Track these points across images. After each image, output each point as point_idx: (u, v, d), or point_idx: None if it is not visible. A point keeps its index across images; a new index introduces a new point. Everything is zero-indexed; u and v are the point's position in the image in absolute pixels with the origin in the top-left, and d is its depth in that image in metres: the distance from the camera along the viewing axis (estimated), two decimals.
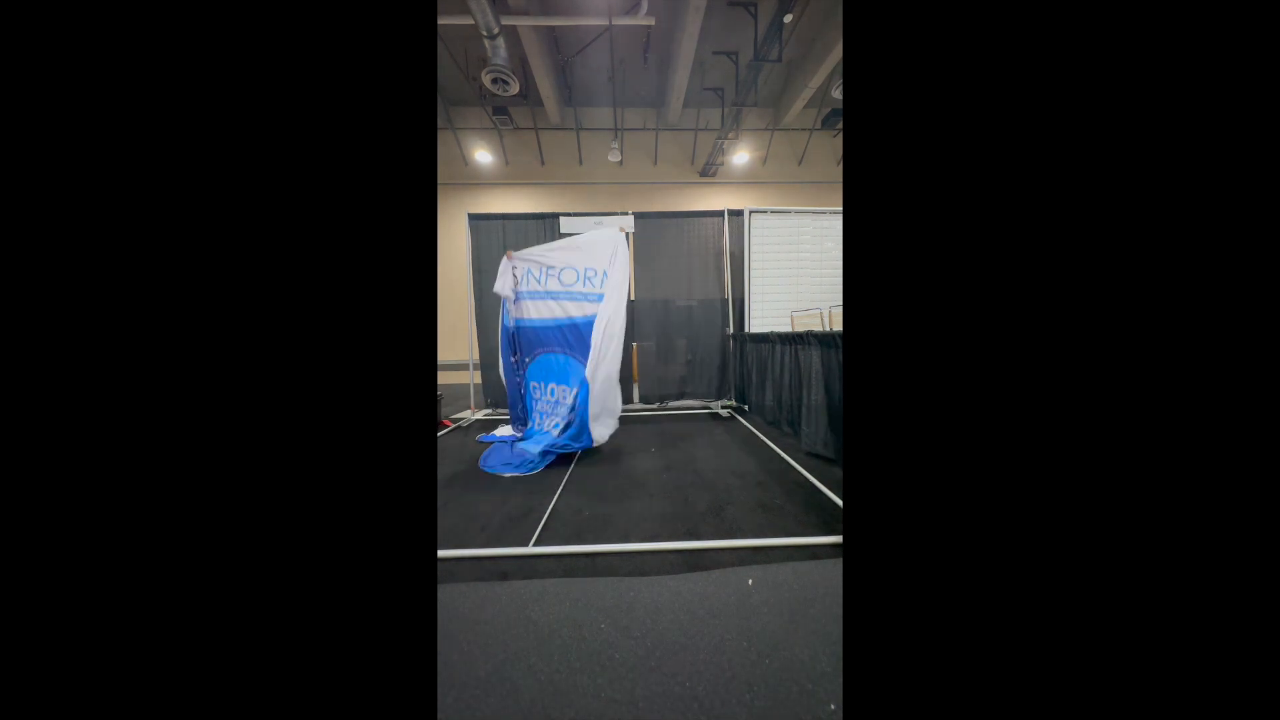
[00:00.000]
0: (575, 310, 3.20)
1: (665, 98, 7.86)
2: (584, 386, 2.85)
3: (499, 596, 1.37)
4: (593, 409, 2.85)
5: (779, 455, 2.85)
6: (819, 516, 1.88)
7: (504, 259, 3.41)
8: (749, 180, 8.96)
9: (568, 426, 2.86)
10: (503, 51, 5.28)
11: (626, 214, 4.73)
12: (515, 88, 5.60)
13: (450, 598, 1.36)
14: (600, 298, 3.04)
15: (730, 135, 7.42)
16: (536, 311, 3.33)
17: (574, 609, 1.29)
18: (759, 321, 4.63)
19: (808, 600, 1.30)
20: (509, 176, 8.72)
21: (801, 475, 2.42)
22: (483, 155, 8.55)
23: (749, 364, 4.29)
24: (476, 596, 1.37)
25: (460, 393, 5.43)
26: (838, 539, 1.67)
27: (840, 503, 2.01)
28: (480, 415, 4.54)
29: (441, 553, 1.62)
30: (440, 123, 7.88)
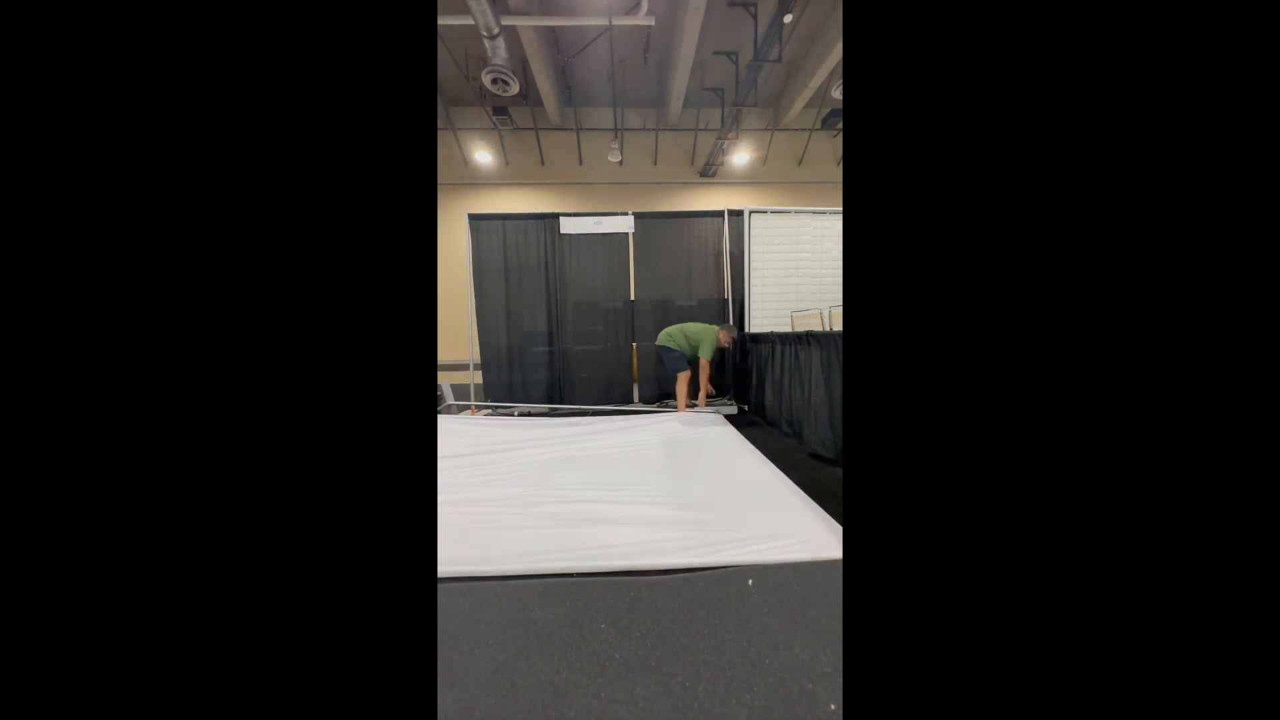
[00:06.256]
0: None
1: (665, 98, 7.85)
2: None
3: (499, 596, 1.37)
4: None
5: (778, 456, 2.85)
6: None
7: None
8: (749, 180, 8.95)
9: None
10: (503, 51, 5.28)
11: (626, 214, 4.73)
12: (515, 88, 5.60)
13: (450, 598, 1.36)
14: None
15: (730, 135, 7.41)
16: None
17: (574, 609, 1.29)
18: (759, 321, 4.63)
19: (808, 600, 1.30)
20: (509, 176, 8.72)
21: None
22: (483, 155, 8.55)
23: (749, 364, 4.29)
24: (476, 596, 1.37)
25: (460, 393, 5.43)
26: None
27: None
28: (481, 416, 4.54)
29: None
30: (440, 123, 7.88)
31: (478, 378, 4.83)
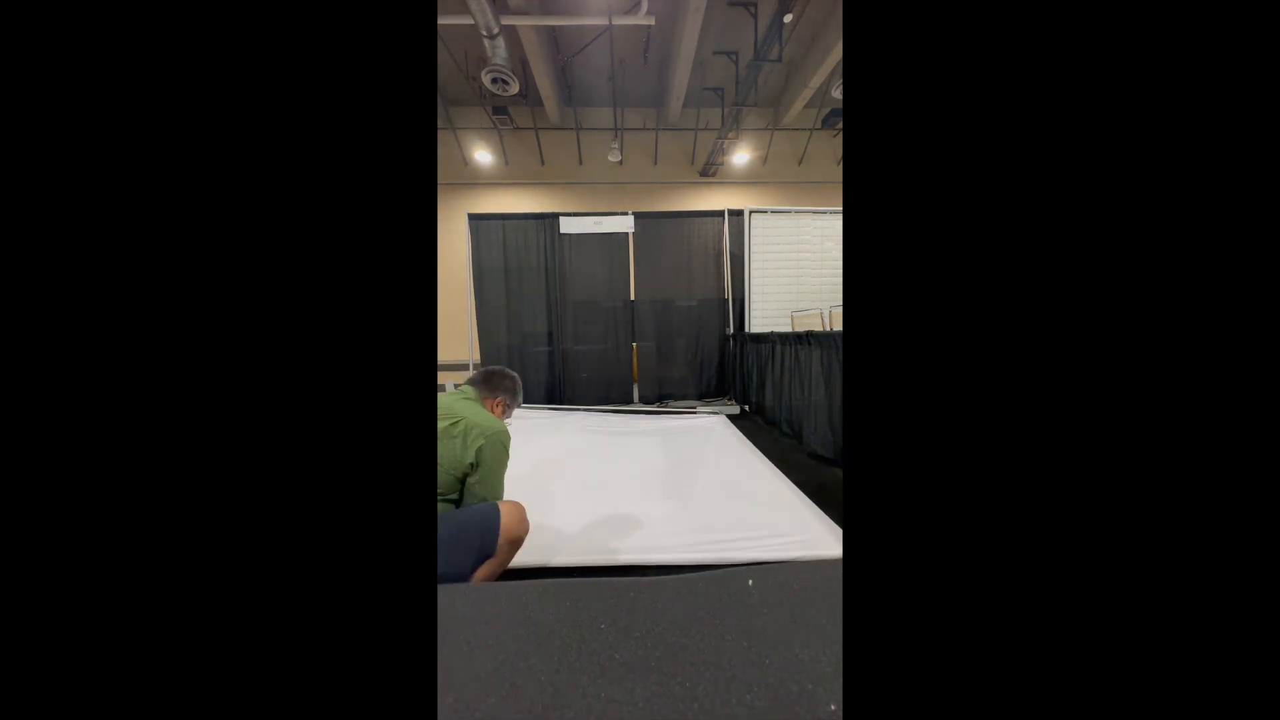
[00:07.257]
0: None
1: (665, 98, 7.85)
2: None
3: (499, 596, 1.37)
4: None
5: (777, 454, 2.86)
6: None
7: None
8: (749, 180, 8.95)
9: None
10: (503, 51, 5.28)
11: (626, 214, 4.73)
12: (515, 88, 5.60)
13: (450, 598, 1.36)
14: None
15: (730, 135, 7.41)
16: None
17: (574, 609, 1.29)
18: (759, 321, 4.63)
19: (808, 600, 1.30)
20: (509, 176, 8.71)
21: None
22: (483, 155, 8.54)
23: (749, 364, 4.29)
24: (476, 596, 1.37)
25: None
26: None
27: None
28: None
29: None
30: (440, 123, 7.87)
31: None
